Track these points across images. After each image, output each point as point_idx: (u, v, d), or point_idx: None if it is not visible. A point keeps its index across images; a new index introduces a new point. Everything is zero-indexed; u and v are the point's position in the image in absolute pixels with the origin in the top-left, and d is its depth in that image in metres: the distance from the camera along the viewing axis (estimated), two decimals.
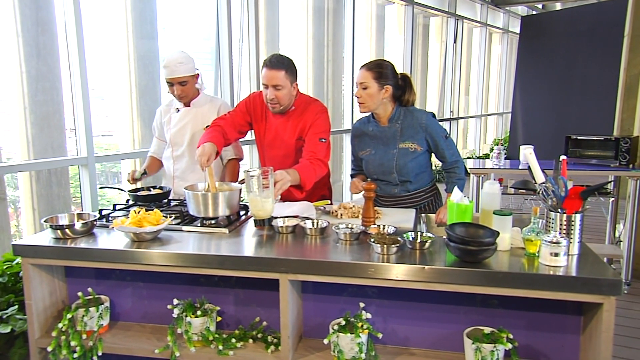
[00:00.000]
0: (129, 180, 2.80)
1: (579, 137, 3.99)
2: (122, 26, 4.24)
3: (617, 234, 4.45)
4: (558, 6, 11.46)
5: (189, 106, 2.91)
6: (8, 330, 2.65)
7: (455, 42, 9.26)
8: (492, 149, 10.51)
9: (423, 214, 2.43)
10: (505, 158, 4.28)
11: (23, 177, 3.69)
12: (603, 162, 3.83)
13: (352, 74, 6.73)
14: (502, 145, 4.01)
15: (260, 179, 2.07)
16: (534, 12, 11.90)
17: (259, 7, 5.05)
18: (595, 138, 3.91)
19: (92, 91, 3.66)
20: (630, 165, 3.73)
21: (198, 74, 2.88)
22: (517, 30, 9.20)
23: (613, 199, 4.31)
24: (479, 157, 10.10)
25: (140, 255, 1.91)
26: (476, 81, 11.00)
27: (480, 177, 3.83)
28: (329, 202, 2.54)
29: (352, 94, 6.76)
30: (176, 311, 1.98)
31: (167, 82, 2.79)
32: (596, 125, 6.26)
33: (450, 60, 9.33)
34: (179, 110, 2.92)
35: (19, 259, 3.07)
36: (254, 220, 2.13)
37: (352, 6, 6.55)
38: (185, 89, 2.80)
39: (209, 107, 2.91)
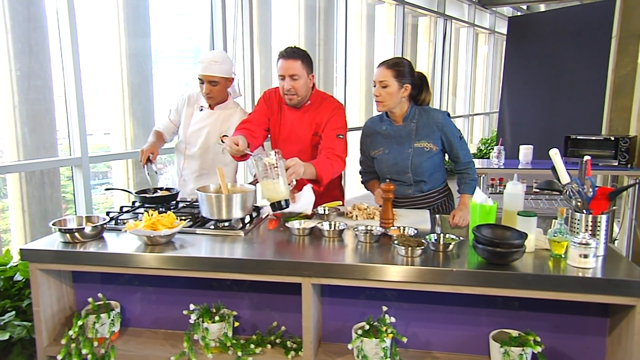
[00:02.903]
0: (141, 160, 2.63)
1: (578, 137, 4.01)
2: (114, 23, 4.13)
3: (613, 234, 4.49)
4: (542, 7, 11.59)
5: (212, 109, 2.82)
6: (6, 337, 2.55)
7: (444, 42, 9.30)
8: (479, 149, 10.62)
9: (437, 215, 2.40)
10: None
11: (12, 178, 3.57)
12: (601, 161, 3.85)
13: (345, 73, 6.70)
14: (501, 145, 4.00)
15: (267, 161, 2.03)
16: (519, 13, 12.02)
17: (252, 7, 4.99)
18: (594, 138, 3.94)
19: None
20: (629, 165, 3.76)
21: (232, 79, 2.78)
22: (503, 30, 9.27)
23: None
24: None
25: (156, 259, 1.84)
26: (463, 81, 11.07)
27: (482, 177, 3.83)
28: (340, 203, 2.50)
29: (345, 93, 6.74)
30: (193, 317, 1.91)
31: (199, 78, 2.70)
32: (584, 126, 6.30)
33: (439, 60, 9.36)
34: (202, 110, 2.83)
35: (12, 263, 2.95)
36: (270, 204, 2.07)
37: (344, 5, 6.53)
38: (215, 89, 2.71)
39: (232, 115, 2.80)
